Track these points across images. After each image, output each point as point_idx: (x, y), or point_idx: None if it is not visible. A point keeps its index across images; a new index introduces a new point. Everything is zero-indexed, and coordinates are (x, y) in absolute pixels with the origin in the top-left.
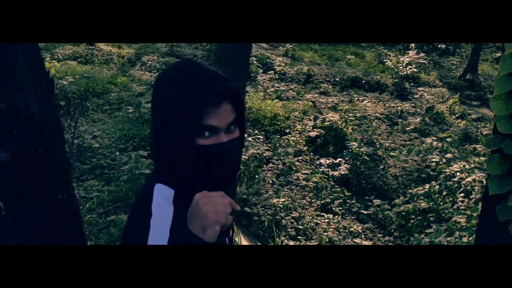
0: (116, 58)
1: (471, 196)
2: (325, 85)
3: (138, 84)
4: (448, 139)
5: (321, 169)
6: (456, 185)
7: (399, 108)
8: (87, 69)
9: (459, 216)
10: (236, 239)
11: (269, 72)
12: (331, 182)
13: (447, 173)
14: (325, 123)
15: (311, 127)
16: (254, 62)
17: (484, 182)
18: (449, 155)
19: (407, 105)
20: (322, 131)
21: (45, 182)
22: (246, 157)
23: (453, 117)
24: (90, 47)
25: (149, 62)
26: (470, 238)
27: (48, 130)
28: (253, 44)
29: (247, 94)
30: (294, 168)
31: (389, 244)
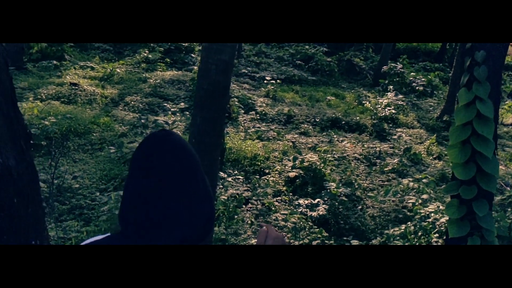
0: (99, 98)
1: (444, 237)
2: (305, 125)
3: (120, 124)
4: (424, 180)
5: (300, 210)
6: (430, 226)
7: (377, 148)
8: (70, 109)
9: None
10: None
11: (251, 113)
12: (309, 223)
13: (422, 214)
14: (304, 163)
15: (290, 168)
16: (236, 102)
17: None
18: (425, 196)
19: (385, 145)
20: (301, 172)
21: (19, 229)
22: (226, 197)
23: (430, 157)
24: (73, 87)
25: (132, 102)
26: None
27: (23, 181)
28: (235, 85)
29: (228, 135)
30: (273, 209)
31: None
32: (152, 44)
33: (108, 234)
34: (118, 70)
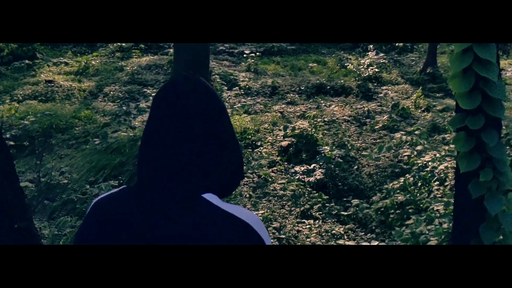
0: (77, 93)
1: (446, 183)
2: (291, 95)
3: (102, 115)
4: (416, 132)
5: (297, 177)
6: (429, 174)
7: (365, 108)
8: (49, 106)
9: (437, 204)
10: None
11: (234, 89)
12: (308, 189)
13: (419, 165)
14: (295, 131)
15: (282, 137)
16: (218, 79)
17: None
18: (419, 147)
19: (373, 104)
20: (293, 140)
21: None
22: None
23: (419, 110)
24: (49, 84)
25: (111, 93)
26: (450, 224)
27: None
28: (214, 63)
29: None
30: (270, 180)
31: (372, 241)
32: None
33: (124, 186)
34: (93, 62)
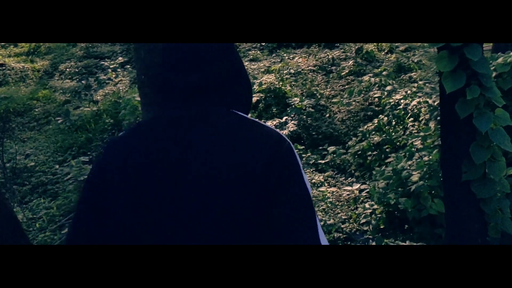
0: (32, 73)
1: (420, 118)
2: (253, 52)
3: (61, 93)
4: (384, 73)
5: (274, 122)
6: (403, 112)
7: (329, 56)
8: (3, 90)
9: (414, 140)
10: None
11: None
12: None
13: (391, 104)
14: (263, 86)
15: None
16: None
17: (430, 101)
18: (388, 88)
19: (336, 52)
20: (261, 95)
21: None
22: None
23: (382, 53)
24: (0, 68)
25: (68, 69)
26: (430, 156)
27: None
28: None
29: None
30: None
31: (354, 184)
32: None
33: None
34: None
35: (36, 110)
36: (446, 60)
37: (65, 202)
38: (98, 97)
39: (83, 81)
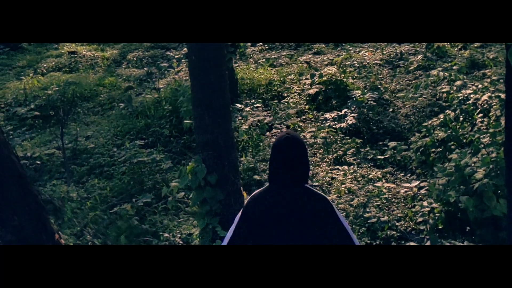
0: (101, 61)
1: (491, 114)
2: (318, 45)
3: (126, 81)
4: (454, 67)
5: (327, 124)
6: (472, 107)
7: (398, 50)
8: (73, 76)
9: (482, 136)
10: None
11: (258, 44)
12: (340, 135)
13: (460, 98)
14: (323, 78)
15: (309, 86)
16: None
17: (502, 96)
18: (458, 82)
19: (406, 47)
20: (321, 87)
21: None
22: (247, 127)
23: (456, 49)
24: (72, 55)
25: (135, 59)
26: (498, 153)
27: None
28: None
29: (237, 65)
30: (299, 129)
31: (413, 182)
32: None
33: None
34: None
35: (102, 96)
36: None
37: (118, 184)
38: (160, 85)
39: (145, 68)
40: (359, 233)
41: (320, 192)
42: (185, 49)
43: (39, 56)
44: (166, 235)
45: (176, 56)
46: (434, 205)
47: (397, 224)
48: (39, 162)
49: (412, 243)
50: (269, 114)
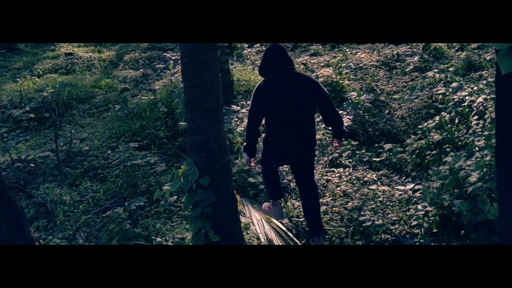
0: (98, 63)
1: (486, 116)
2: (314, 46)
3: (123, 83)
4: (450, 69)
5: (323, 126)
6: (467, 109)
7: (394, 52)
8: (69, 78)
9: (477, 139)
10: (245, 210)
11: (255, 46)
12: None
13: (455, 100)
14: (320, 79)
15: None
16: None
17: None
18: (454, 84)
19: (402, 48)
20: None
21: None
22: (242, 129)
23: (452, 50)
24: (69, 57)
25: (131, 60)
26: (493, 155)
27: None
28: None
29: (233, 66)
30: None
31: (408, 185)
32: None
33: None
34: None
35: (98, 97)
36: (508, 59)
37: (112, 187)
38: (156, 87)
39: (140, 69)
40: (354, 238)
41: (306, 74)
42: None
43: (35, 57)
44: (159, 239)
45: (173, 58)
46: (429, 208)
47: (391, 227)
48: (33, 165)
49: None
50: None
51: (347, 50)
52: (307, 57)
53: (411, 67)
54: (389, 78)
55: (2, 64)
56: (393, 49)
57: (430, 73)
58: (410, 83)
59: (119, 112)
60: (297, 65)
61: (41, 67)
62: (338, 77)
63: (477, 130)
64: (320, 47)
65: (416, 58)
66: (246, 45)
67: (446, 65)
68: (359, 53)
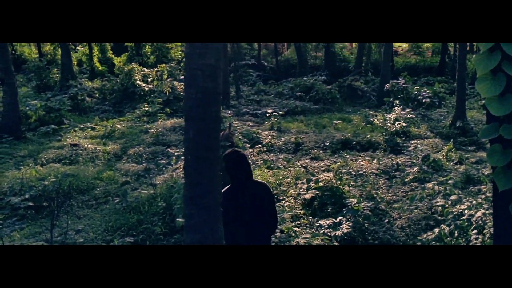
0: (102, 155)
1: (485, 231)
2: (315, 151)
3: (124, 176)
4: (449, 182)
5: (322, 231)
6: (466, 223)
7: (394, 161)
8: (72, 168)
9: None
10: None
11: (257, 146)
12: (334, 243)
13: (455, 213)
14: (319, 183)
15: (305, 190)
16: (241, 137)
17: None
18: (453, 197)
19: (402, 158)
20: (317, 192)
21: None
22: None
23: (451, 163)
24: (74, 147)
25: (135, 154)
26: None
27: None
28: (237, 122)
29: None
30: (293, 234)
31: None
32: (150, 98)
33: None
34: (119, 126)
35: (98, 189)
36: (498, 155)
37: None
38: (157, 181)
39: (143, 164)
40: None
41: (263, 181)
42: None
43: (41, 146)
44: None
45: (175, 153)
46: None
47: None
48: None
49: None
50: None
51: (348, 156)
52: (307, 161)
53: (411, 177)
54: (389, 187)
55: (7, 151)
56: (393, 158)
57: (429, 184)
58: (409, 193)
59: (118, 205)
60: (297, 168)
61: (45, 156)
62: (338, 182)
63: (477, 244)
64: (321, 151)
65: (415, 168)
66: (248, 145)
67: (445, 177)
68: (359, 160)
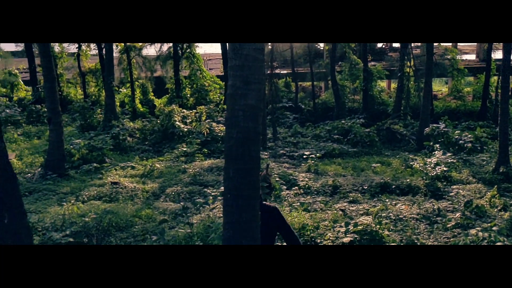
0: (141, 193)
1: None
2: (353, 194)
3: (162, 214)
4: (494, 228)
5: None
6: None
7: (435, 207)
8: (112, 206)
9: None
10: None
11: (293, 188)
12: None
13: None
14: (358, 227)
15: (343, 234)
16: (277, 179)
17: None
18: (498, 244)
19: (443, 203)
20: (356, 236)
21: None
22: None
23: (495, 210)
24: (114, 186)
25: (173, 193)
26: None
27: None
28: (274, 164)
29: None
30: None
31: None
32: (188, 139)
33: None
34: (158, 166)
35: (136, 227)
36: None
37: None
38: (194, 221)
39: (181, 203)
40: None
41: (271, 204)
42: (222, 187)
43: (83, 184)
44: None
45: (212, 193)
46: None
47: None
48: None
49: None
50: None
51: (387, 200)
52: (345, 204)
53: (453, 223)
54: (430, 232)
55: (51, 188)
56: (434, 203)
57: (473, 231)
58: (452, 239)
59: (155, 243)
60: (335, 211)
61: (87, 193)
62: (378, 226)
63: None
64: (359, 195)
65: (458, 214)
66: (284, 187)
67: (489, 224)
68: (399, 204)
